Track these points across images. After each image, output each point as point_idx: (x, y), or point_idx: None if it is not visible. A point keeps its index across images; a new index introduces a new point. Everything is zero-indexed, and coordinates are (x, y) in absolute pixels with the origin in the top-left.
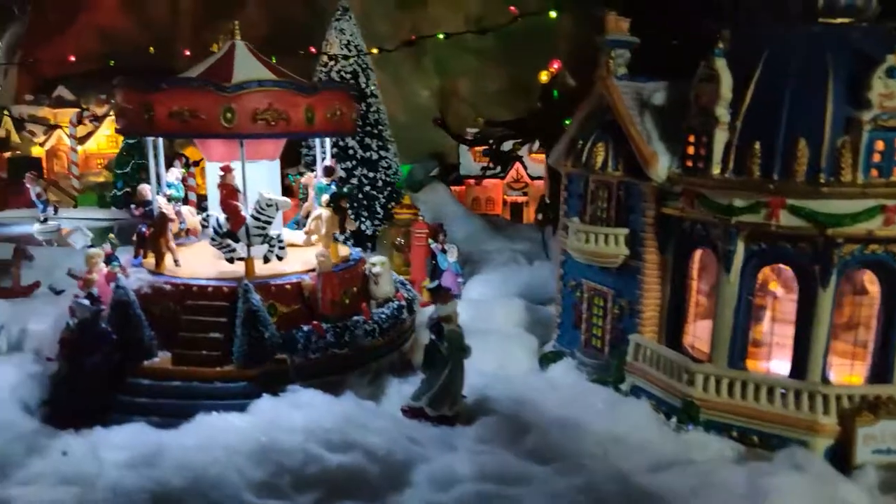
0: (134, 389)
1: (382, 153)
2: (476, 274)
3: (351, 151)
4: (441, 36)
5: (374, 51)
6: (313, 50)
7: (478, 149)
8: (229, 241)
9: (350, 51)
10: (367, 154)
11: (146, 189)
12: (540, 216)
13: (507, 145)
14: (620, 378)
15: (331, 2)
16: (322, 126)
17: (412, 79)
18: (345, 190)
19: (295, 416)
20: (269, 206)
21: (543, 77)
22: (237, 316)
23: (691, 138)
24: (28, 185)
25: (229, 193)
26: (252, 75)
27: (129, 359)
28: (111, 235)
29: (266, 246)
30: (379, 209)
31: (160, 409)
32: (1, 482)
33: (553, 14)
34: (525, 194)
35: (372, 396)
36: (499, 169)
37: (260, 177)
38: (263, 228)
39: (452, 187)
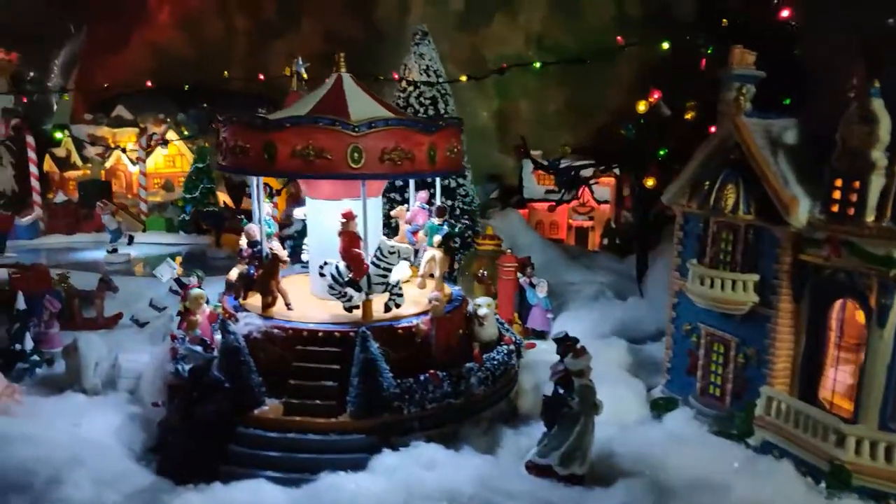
0: (245, 440)
1: (460, 180)
2: (564, 310)
3: (429, 179)
4: (537, 65)
5: (463, 78)
6: (396, 76)
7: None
8: (349, 290)
9: (429, 76)
10: (445, 182)
11: (254, 230)
12: (605, 241)
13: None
14: (748, 432)
15: (389, 22)
16: (442, 164)
17: (473, 101)
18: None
19: (427, 478)
20: (391, 253)
21: (641, 106)
22: (353, 363)
23: (838, 182)
24: (99, 213)
25: (352, 241)
26: (368, 112)
27: (239, 407)
28: (199, 272)
29: (386, 294)
30: (457, 240)
31: (273, 462)
32: None
33: (665, 45)
34: (591, 219)
35: (488, 449)
36: (573, 193)
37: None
38: (384, 276)
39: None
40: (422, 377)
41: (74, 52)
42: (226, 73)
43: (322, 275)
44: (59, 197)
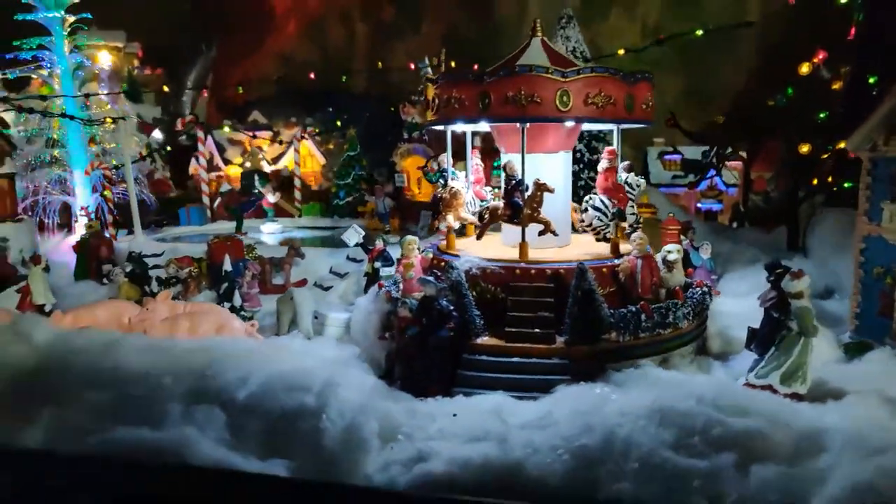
0: (471, 365)
1: None
2: (726, 273)
3: (578, 154)
4: (699, 33)
5: (621, 52)
6: None
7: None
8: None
9: (577, 57)
10: (594, 157)
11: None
12: (735, 224)
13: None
14: None
15: (507, 22)
16: (639, 114)
17: None
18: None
19: (665, 387)
20: (637, 186)
21: (804, 69)
22: (571, 295)
23: None
24: (265, 193)
25: (613, 176)
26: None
27: (464, 337)
28: (385, 233)
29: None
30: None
31: (499, 383)
32: (403, 440)
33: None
34: (720, 202)
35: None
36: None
37: (557, 167)
38: (633, 207)
39: None
40: (633, 308)
41: (206, 64)
42: (343, 77)
43: (585, 210)
44: (224, 186)
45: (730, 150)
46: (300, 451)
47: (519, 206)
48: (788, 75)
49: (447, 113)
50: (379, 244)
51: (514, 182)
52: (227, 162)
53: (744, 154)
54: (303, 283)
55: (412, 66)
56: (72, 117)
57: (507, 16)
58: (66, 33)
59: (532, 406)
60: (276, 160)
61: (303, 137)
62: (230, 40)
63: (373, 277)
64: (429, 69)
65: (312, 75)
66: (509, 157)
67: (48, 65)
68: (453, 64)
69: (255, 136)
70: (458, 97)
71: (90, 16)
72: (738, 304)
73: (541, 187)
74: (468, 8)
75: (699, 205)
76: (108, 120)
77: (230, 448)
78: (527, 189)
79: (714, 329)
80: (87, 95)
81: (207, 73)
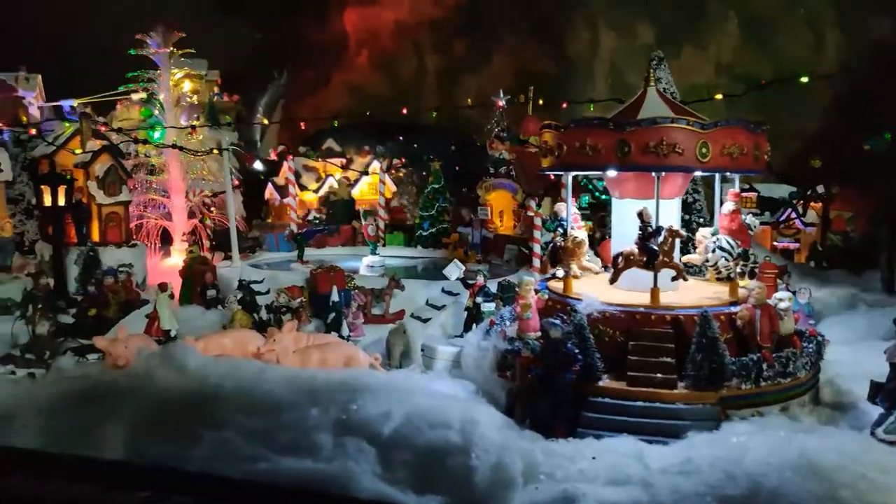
0: (595, 407)
1: (696, 195)
2: (824, 317)
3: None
4: (804, 79)
5: (718, 96)
6: None
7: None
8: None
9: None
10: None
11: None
12: (812, 263)
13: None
14: None
15: (580, 57)
16: (762, 163)
17: None
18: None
19: (795, 439)
20: (753, 227)
21: None
22: (694, 342)
23: None
24: (365, 223)
25: (737, 216)
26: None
27: (587, 379)
28: (484, 271)
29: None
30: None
31: (623, 426)
32: (545, 480)
33: None
34: (797, 241)
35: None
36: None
37: (672, 212)
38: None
39: None
40: (754, 356)
41: (277, 93)
42: (433, 113)
43: (713, 250)
44: (312, 214)
45: (819, 190)
46: (452, 488)
47: (654, 252)
48: (881, 120)
49: (578, 160)
50: (480, 280)
51: (649, 229)
52: (302, 188)
53: (820, 189)
54: (401, 314)
55: (500, 105)
56: (181, 148)
57: (579, 50)
58: (171, 66)
59: (668, 451)
60: (349, 187)
61: (389, 169)
62: (302, 70)
63: (473, 312)
64: (503, 100)
65: (405, 111)
66: (644, 204)
67: (152, 94)
68: (541, 102)
69: (347, 167)
70: (594, 145)
71: (194, 51)
72: (843, 351)
73: (673, 234)
74: (540, 43)
75: (775, 243)
76: (215, 151)
77: (386, 482)
78: (660, 235)
79: (824, 378)
80: (193, 127)
81: (278, 101)
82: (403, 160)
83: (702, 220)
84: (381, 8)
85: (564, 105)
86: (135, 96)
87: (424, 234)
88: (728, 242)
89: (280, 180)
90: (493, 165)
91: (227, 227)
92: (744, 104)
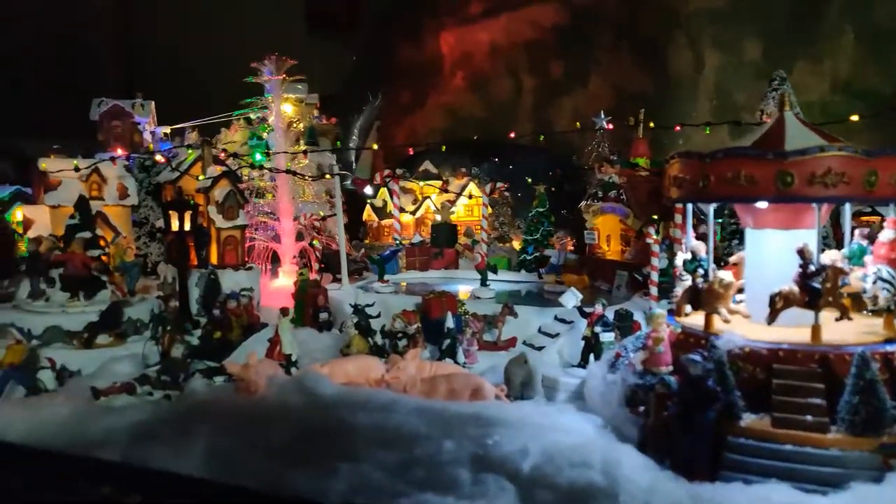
0: (737, 448)
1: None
2: None
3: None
4: None
5: (856, 117)
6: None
7: None
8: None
9: None
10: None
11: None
12: None
13: None
14: None
15: (682, 76)
16: (883, 191)
17: None
18: None
19: None
20: None
21: None
22: (851, 384)
23: None
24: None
25: None
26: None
27: (727, 418)
28: (603, 300)
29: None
30: None
31: (770, 470)
32: None
33: None
34: None
35: None
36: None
37: (811, 243)
38: None
39: None
40: None
41: (372, 115)
42: (511, 133)
43: (876, 281)
44: (416, 237)
45: None
46: None
47: (817, 291)
48: None
49: (729, 191)
50: (598, 308)
51: (811, 267)
52: (400, 210)
53: None
54: (513, 341)
55: (609, 127)
56: (294, 173)
57: (681, 69)
58: (282, 93)
59: (825, 502)
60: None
61: (494, 192)
62: (397, 92)
63: (592, 342)
64: (604, 122)
65: (512, 134)
66: (781, 235)
67: (264, 119)
68: (651, 124)
69: (446, 190)
70: (749, 175)
71: (304, 77)
72: None
73: (837, 272)
74: (639, 63)
75: None
76: (328, 176)
77: None
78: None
79: None
80: (304, 152)
81: (374, 123)
82: (508, 183)
83: (825, 247)
84: (478, 29)
85: (678, 128)
86: (244, 120)
87: (529, 258)
88: (889, 273)
89: (378, 202)
90: (602, 189)
91: (333, 250)
92: (859, 125)
